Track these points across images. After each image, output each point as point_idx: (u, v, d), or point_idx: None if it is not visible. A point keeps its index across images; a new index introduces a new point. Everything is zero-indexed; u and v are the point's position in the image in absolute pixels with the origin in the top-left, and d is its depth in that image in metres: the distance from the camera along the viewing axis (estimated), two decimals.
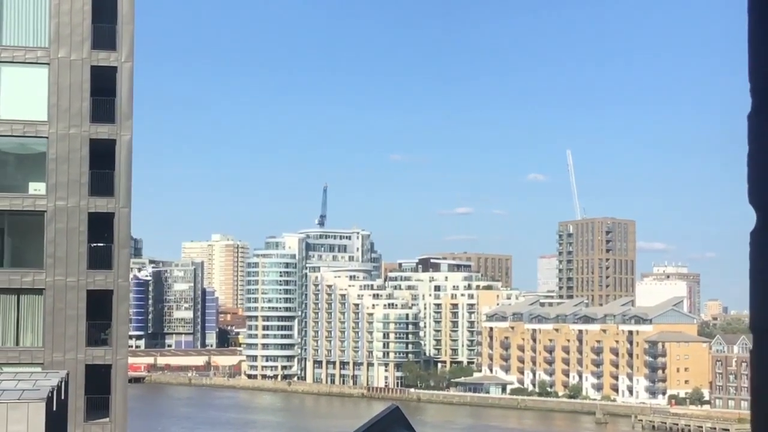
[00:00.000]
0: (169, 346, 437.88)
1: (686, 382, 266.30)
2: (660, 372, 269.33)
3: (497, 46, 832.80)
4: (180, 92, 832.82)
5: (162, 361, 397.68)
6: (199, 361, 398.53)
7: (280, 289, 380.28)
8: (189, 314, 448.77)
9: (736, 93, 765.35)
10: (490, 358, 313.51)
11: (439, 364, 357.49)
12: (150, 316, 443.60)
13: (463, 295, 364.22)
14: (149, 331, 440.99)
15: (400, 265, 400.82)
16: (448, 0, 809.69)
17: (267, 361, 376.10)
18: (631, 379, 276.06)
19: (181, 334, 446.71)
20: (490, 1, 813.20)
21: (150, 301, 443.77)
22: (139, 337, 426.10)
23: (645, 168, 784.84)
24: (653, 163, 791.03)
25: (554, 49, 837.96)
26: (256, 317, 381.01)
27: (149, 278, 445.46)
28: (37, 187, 55.34)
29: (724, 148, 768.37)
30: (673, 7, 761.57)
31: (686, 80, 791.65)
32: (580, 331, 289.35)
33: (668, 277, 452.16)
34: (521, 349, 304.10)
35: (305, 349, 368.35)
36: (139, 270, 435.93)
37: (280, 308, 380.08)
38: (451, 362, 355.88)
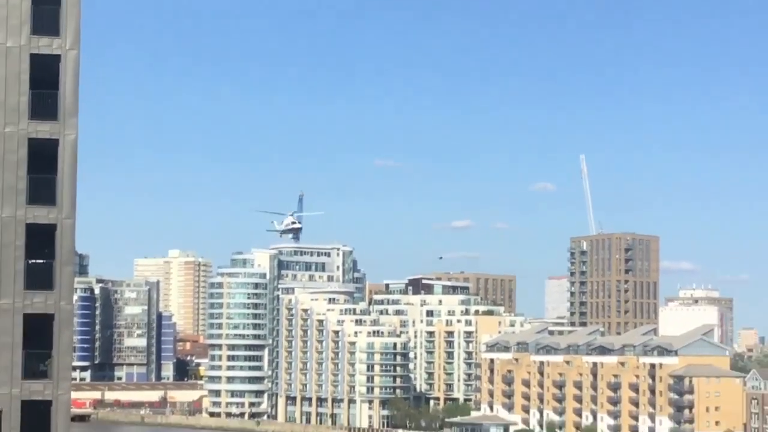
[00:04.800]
0: (119, 378, 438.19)
1: (717, 423, 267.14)
2: (687, 412, 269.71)
3: (498, 41, 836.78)
4: (134, 87, 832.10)
5: (111, 396, 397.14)
6: (154, 396, 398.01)
7: (248, 314, 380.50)
8: (142, 342, 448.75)
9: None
10: (491, 394, 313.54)
11: (432, 401, 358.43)
12: (97, 344, 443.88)
13: (459, 321, 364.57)
14: (96, 362, 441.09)
15: (387, 286, 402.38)
16: None
17: (232, 396, 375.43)
18: (653, 420, 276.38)
19: (133, 365, 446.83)
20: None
21: (97, 327, 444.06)
22: (84, 369, 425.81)
23: (669, 176, 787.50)
24: (679, 171, 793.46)
25: (562, 45, 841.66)
26: (219, 346, 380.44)
27: (97, 300, 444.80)
28: None
29: (763, 149, 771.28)
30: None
31: (714, 71, 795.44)
32: (595, 364, 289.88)
33: (696, 301, 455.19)
34: (526, 384, 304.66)
35: (277, 384, 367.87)
36: (85, 290, 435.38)
37: (247, 336, 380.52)
38: (446, 399, 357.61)
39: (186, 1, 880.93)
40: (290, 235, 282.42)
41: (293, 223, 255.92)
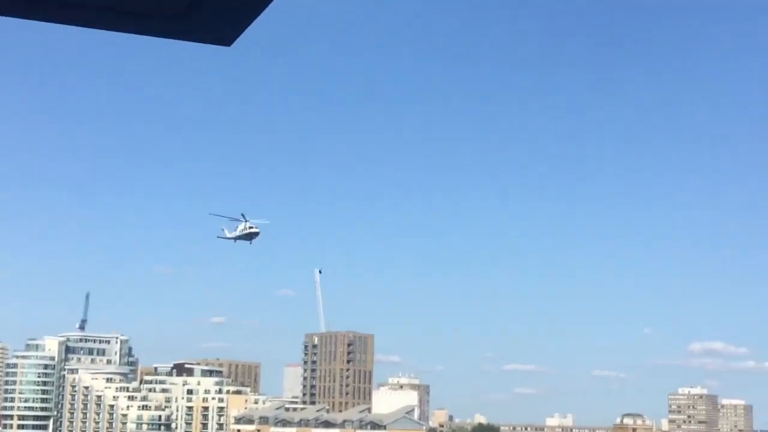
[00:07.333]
0: None
1: None
2: None
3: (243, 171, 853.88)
4: None
5: None
6: None
7: (38, 390, 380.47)
8: None
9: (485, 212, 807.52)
10: None
11: None
12: None
13: (214, 398, 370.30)
14: None
15: (155, 369, 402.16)
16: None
17: None
18: None
19: None
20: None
21: None
22: None
23: (385, 286, 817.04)
24: (392, 282, 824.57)
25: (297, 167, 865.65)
26: (12, 416, 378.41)
27: None
28: None
29: (450, 265, 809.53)
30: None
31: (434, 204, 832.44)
32: None
33: (402, 387, 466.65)
34: None
35: None
36: None
37: (36, 408, 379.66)
38: None
39: None
40: (247, 241, 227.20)
41: (250, 228, 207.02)
